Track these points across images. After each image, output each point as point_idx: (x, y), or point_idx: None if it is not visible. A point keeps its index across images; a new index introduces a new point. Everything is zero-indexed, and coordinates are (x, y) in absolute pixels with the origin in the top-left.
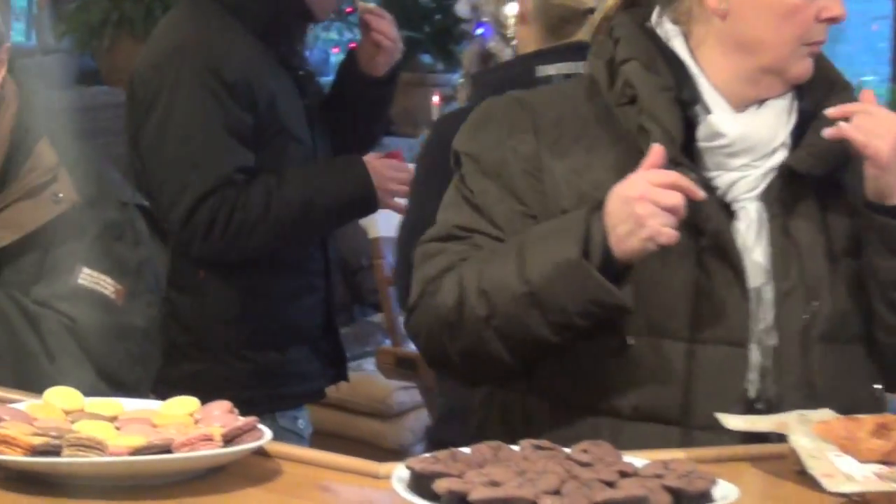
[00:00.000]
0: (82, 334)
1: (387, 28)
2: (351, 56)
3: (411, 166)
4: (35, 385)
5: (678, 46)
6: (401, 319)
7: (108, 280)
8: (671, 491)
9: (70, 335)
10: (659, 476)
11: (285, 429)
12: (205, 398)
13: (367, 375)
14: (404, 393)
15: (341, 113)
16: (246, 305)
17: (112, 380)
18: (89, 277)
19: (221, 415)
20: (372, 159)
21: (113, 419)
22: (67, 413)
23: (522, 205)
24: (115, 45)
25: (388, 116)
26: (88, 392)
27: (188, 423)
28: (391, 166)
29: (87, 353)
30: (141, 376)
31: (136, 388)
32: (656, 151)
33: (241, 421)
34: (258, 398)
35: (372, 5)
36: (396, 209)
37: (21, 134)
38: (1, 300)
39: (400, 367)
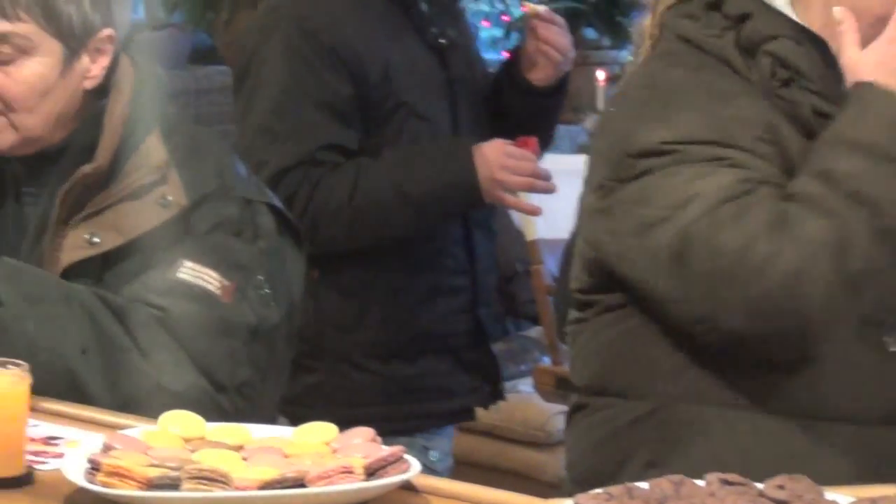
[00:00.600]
0: (174, 326)
1: (556, 37)
2: (511, 60)
3: (558, 157)
4: (130, 385)
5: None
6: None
7: (214, 275)
8: None
9: (162, 327)
10: None
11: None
12: (323, 415)
13: (522, 398)
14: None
15: (498, 122)
16: (366, 308)
17: (212, 380)
18: (191, 271)
19: (363, 443)
20: (488, 145)
21: (239, 448)
22: (187, 441)
23: None
24: (234, 19)
25: (553, 129)
26: (188, 391)
27: (325, 453)
28: (509, 154)
29: (182, 347)
30: (247, 380)
31: (243, 394)
32: None
33: (386, 451)
34: (384, 415)
35: (542, 8)
36: (509, 204)
37: (132, 126)
38: (82, 294)
39: (560, 388)
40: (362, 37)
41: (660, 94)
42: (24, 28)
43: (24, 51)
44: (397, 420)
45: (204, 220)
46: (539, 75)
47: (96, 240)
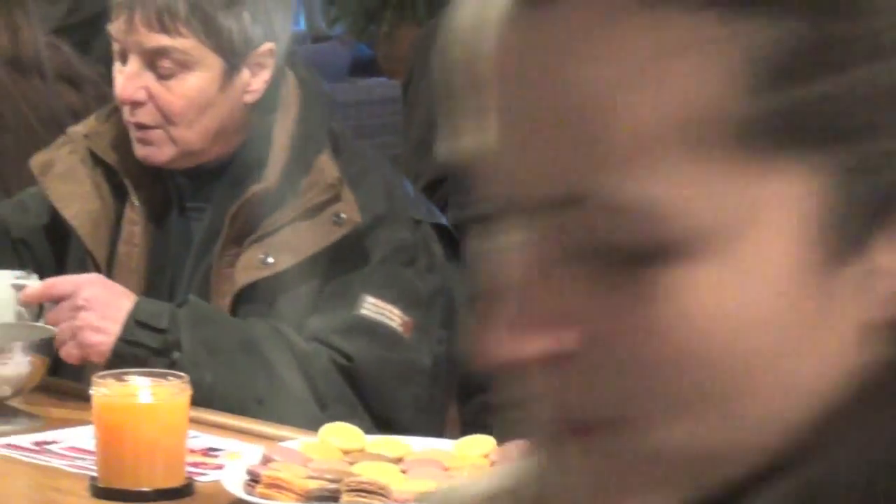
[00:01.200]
0: (360, 375)
1: None
2: None
3: None
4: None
5: None
6: None
7: (396, 311)
8: None
9: (344, 378)
10: None
11: None
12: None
13: None
14: None
15: None
16: None
17: (391, 428)
18: (373, 307)
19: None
20: None
21: (398, 461)
22: (346, 453)
23: None
24: (395, 31)
25: None
26: None
27: (483, 466)
28: None
29: (363, 399)
30: (424, 424)
31: (417, 433)
32: None
33: None
34: None
35: None
36: None
37: (301, 143)
38: (263, 342)
39: None
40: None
41: None
42: (185, 43)
43: (185, 65)
44: None
45: (379, 247)
46: None
47: (270, 260)
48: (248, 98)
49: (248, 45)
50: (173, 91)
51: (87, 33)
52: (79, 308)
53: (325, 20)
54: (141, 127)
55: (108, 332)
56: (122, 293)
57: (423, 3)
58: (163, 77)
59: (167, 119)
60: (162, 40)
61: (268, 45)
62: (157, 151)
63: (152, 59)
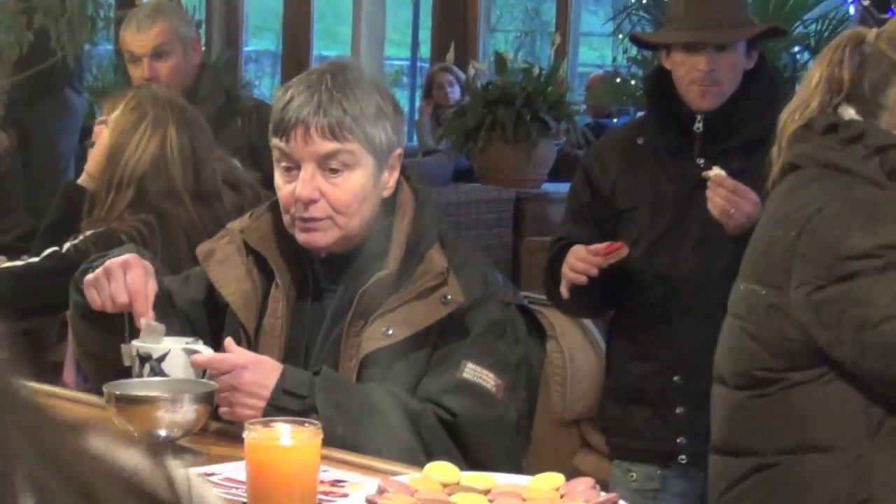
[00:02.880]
0: (461, 428)
1: (731, 201)
2: None
3: None
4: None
5: None
6: None
7: (491, 375)
8: None
9: (448, 430)
10: None
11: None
12: None
13: None
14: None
15: None
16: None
17: (482, 468)
18: (473, 372)
19: (585, 490)
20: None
21: (486, 492)
22: (444, 486)
23: None
24: (488, 147)
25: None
26: None
27: (554, 498)
28: (575, 253)
29: (462, 447)
30: (510, 469)
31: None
32: None
33: (604, 496)
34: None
35: (718, 173)
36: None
37: (415, 240)
38: (383, 397)
39: None
40: (610, 161)
41: (861, 209)
42: (350, 146)
43: (349, 165)
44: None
45: (477, 323)
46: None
47: (391, 332)
48: (386, 193)
49: (390, 148)
50: (341, 187)
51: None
52: (233, 388)
53: (434, 138)
54: (312, 220)
55: (258, 404)
56: (272, 368)
57: (511, 125)
58: (332, 174)
59: (336, 210)
60: (333, 146)
61: (398, 150)
62: (322, 236)
63: (324, 162)
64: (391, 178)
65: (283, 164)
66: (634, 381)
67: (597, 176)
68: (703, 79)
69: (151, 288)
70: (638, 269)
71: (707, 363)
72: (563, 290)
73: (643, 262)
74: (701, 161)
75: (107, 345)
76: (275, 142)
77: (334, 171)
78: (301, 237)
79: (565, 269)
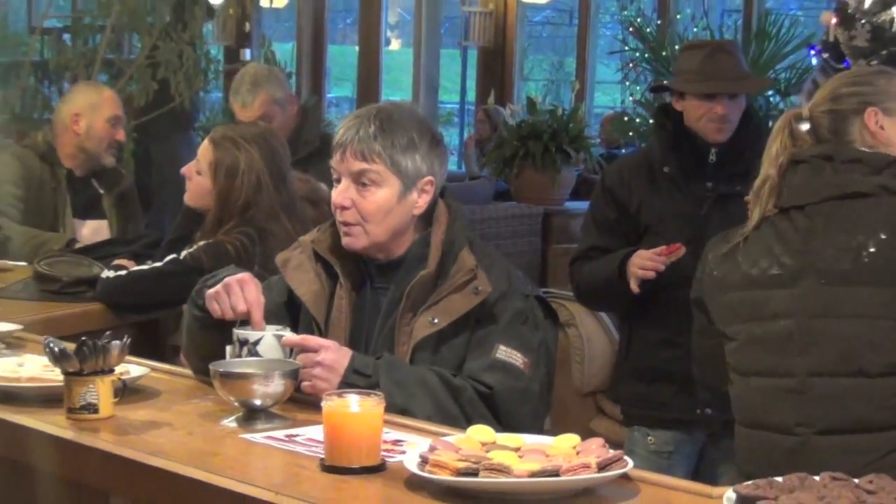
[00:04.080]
0: (496, 399)
1: None
2: None
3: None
4: None
5: None
6: None
7: (518, 354)
8: None
9: (484, 402)
10: None
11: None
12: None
13: None
14: None
15: None
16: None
17: (513, 430)
18: (504, 353)
19: (597, 448)
20: (637, 252)
21: (517, 450)
22: (483, 444)
23: None
24: (521, 172)
25: None
26: None
27: (572, 454)
28: (640, 255)
29: (496, 414)
30: (533, 428)
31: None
32: None
33: (612, 453)
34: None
35: None
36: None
37: (449, 245)
38: (431, 380)
39: None
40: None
41: None
42: (376, 167)
43: (375, 182)
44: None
45: (505, 313)
46: None
47: (436, 321)
48: (416, 212)
49: (418, 175)
50: (367, 199)
51: (307, 163)
52: (317, 363)
53: (478, 166)
54: (346, 224)
55: (334, 380)
56: (344, 353)
57: (539, 154)
58: (362, 188)
59: (363, 218)
60: (362, 165)
61: (429, 178)
62: (356, 241)
63: (356, 178)
64: (420, 199)
65: (334, 177)
66: (661, 363)
67: (622, 196)
68: (719, 119)
69: (262, 300)
70: (665, 272)
71: None
72: (634, 286)
73: (669, 267)
74: (710, 184)
75: (217, 347)
76: (331, 160)
77: (364, 185)
78: (342, 240)
79: (634, 269)
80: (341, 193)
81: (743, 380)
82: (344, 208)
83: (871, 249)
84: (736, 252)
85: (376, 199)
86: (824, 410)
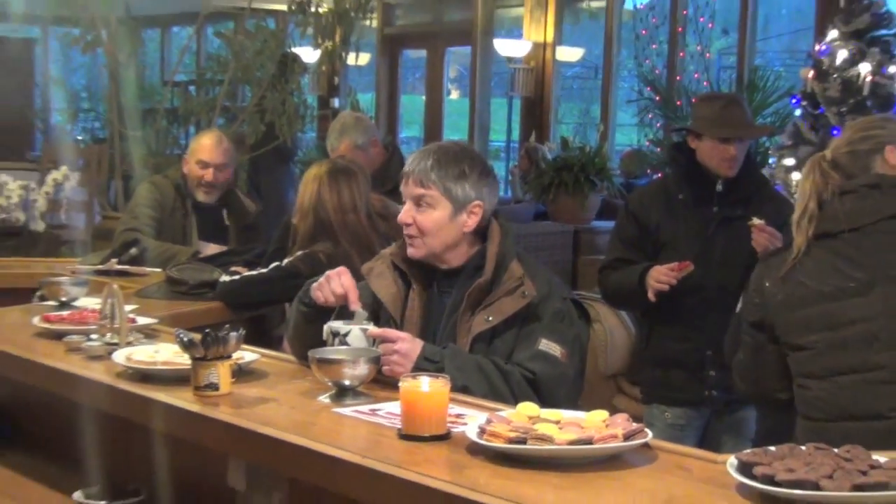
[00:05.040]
0: (539, 383)
1: (771, 240)
2: None
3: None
4: None
5: None
6: None
7: (557, 346)
8: None
9: (529, 386)
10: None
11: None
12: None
13: None
14: None
15: None
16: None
17: (553, 407)
18: (546, 345)
19: (622, 421)
20: (654, 267)
21: (557, 423)
22: (530, 418)
23: None
24: (556, 198)
25: None
26: None
27: (602, 427)
28: (656, 270)
29: (539, 395)
30: (569, 407)
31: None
32: None
33: (635, 426)
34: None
35: (760, 222)
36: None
37: (501, 257)
38: (487, 366)
39: None
40: (652, 208)
41: None
42: (431, 192)
43: (431, 204)
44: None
45: (547, 312)
46: None
47: (490, 319)
48: (465, 229)
49: (466, 200)
50: (425, 217)
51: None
52: (395, 351)
53: (521, 192)
54: (409, 237)
55: (408, 365)
56: (418, 344)
57: (571, 184)
58: (420, 208)
59: (421, 232)
60: (420, 190)
61: (477, 202)
62: (416, 251)
63: (416, 200)
64: (469, 219)
65: (404, 199)
66: (676, 354)
67: (643, 218)
68: (731, 159)
69: (355, 285)
70: (676, 284)
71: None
72: (651, 296)
73: (680, 280)
74: (716, 209)
75: (316, 337)
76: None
77: (421, 206)
78: (407, 250)
79: (651, 282)
80: (405, 213)
81: (822, 381)
82: (407, 224)
83: None
84: (796, 274)
85: (430, 218)
86: None
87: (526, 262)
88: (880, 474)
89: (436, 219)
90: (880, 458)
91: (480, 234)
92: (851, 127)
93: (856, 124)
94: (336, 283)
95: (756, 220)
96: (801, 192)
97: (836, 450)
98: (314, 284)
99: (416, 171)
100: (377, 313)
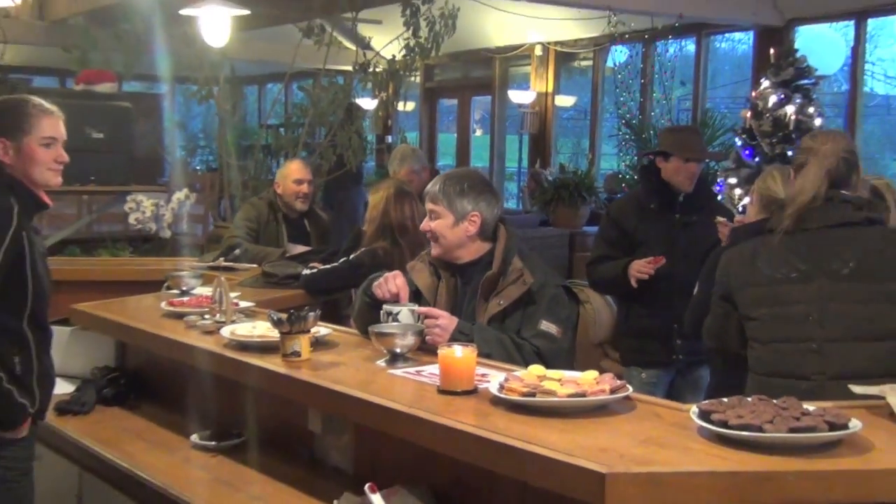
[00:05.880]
0: (542, 355)
1: (727, 232)
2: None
3: None
4: None
5: None
6: None
7: (554, 326)
8: (828, 423)
9: (536, 357)
10: (821, 415)
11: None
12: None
13: None
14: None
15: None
16: (626, 317)
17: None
18: (546, 325)
19: (609, 379)
20: (635, 261)
21: (559, 380)
22: (538, 377)
23: None
24: (556, 209)
25: None
26: None
27: (593, 383)
28: (635, 264)
29: (543, 364)
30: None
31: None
32: None
33: (619, 383)
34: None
35: (722, 219)
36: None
37: (506, 254)
38: (505, 339)
39: None
40: (629, 216)
41: None
42: (439, 207)
43: (439, 216)
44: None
45: (544, 298)
46: None
47: (502, 303)
48: (467, 234)
49: (465, 212)
50: (437, 225)
51: None
52: (436, 325)
53: (530, 205)
54: (431, 239)
55: (446, 336)
56: (453, 320)
57: (567, 199)
58: (433, 219)
59: (436, 236)
60: (431, 205)
61: (475, 213)
62: (434, 250)
63: (430, 212)
64: (470, 227)
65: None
66: (649, 327)
67: (622, 223)
68: (691, 176)
69: (406, 285)
70: (651, 274)
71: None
72: (634, 283)
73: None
74: (677, 215)
75: (374, 318)
76: None
77: (433, 217)
78: (431, 251)
79: (633, 272)
80: (424, 222)
81: (766, 345)
82: (427, 231)
83: (852, 264)
84: (756, 260)
85: (438, 226)
86: (835, 364)
87: (525, 258)
88: (810, 419)
89: (441, 226)
90: (810, 407)
91: (490, 236)
92: (838, 141)
93: (843, 147)
94: (392, 283)
95: (720, 219)
96: (813, 178)
97: (775, 401)
98: (375, 283)
99: (429, 191)
100: (418, 300)
